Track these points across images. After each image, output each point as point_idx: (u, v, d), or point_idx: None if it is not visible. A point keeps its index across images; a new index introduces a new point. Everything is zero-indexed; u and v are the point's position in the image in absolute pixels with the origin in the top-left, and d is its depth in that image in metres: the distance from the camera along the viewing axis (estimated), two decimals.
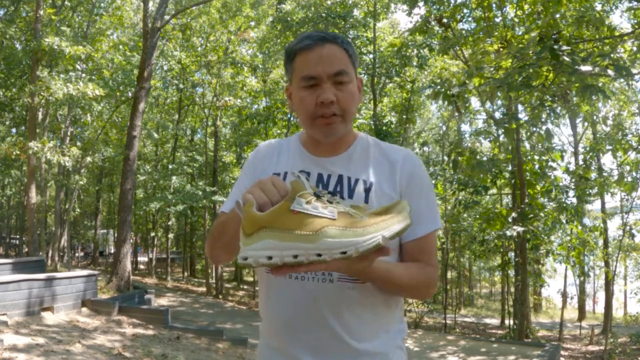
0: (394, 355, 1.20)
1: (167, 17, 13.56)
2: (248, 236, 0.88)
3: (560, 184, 12.05)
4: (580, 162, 15.33)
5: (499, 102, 10.39)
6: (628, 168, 12.73)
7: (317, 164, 1.24)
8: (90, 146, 15.93)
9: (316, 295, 1.12)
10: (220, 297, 16.52)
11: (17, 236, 26.56)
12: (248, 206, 0.89)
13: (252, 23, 18.57)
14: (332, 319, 1.13)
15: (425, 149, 22.54)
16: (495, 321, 18.41)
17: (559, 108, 7.30)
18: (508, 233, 10.27)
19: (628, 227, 16.18)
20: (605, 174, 13.21)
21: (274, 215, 0.87)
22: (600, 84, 6.69)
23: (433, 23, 10.46)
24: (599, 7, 9.57)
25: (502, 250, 13.14)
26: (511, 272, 13.71)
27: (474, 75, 5.83)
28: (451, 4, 10.88)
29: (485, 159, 9.83)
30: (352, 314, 1.14)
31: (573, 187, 11.92)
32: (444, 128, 22.45)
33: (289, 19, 14.16)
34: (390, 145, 1.31)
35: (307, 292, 1.13)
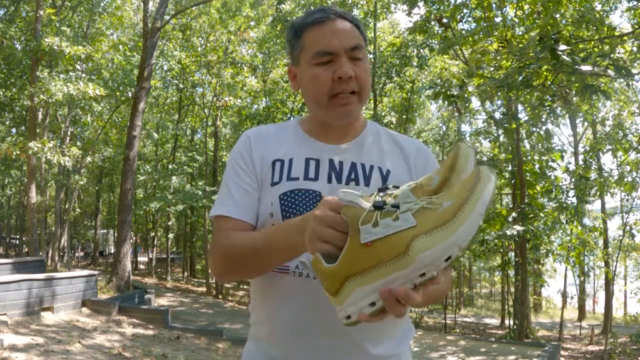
0: (405, 357, 1.12)
1: (167, 17, 13.56)
2: (336, 295, 0.75)
3: (560, 184, 12.05)
4: (580, 162, 15.32)
5: (499, 102, 10.39)
6: (628, 168, 12.73)
7: (327, 151, 1.12)
8: (90, 146, 15.91)
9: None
10: (220, 297, 16.50)
11: (17, 236, 26.57)
12: (316, 263, 0.76)
13: (252, 23, 18.57)
14: None
15: None
16: (495, 321, 18.39)
17: (559, 108, 7.30)
18: (508, 233, 10.27)
19: (628, 227, 16.17)
20: (605, 174, 13.20)
21: (349, 261, 0.72)
22: (600, 84, 6.69)
23: (433, 23, 10.46)
24: (599, 7, 9.57)
25: (502, 250, 13.13)
26: (511, 272, 13.70)
27: (474, 75, 5.83)
28: (451, 4, 10.89)
29: (485, 159, 9.84)
30: None
31: (573, 187, 11.92)
32: (444, 128, 22.45)
33: (289, 19, 14.16)
34: (401, 134, 1.23)
35: (318, 291, 0.97)
